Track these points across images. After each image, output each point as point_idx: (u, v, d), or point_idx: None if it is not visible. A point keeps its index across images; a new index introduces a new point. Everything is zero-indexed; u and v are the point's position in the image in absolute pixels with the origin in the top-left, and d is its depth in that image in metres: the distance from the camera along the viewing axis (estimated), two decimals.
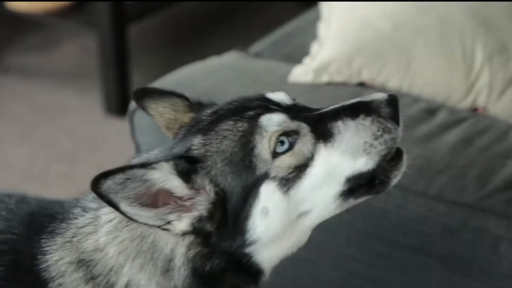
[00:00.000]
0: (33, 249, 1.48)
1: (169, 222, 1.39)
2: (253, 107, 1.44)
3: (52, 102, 3.83)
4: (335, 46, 2.57)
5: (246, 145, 1.39)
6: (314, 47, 2.65)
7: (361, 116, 1.42)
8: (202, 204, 1.39)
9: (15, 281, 1.47)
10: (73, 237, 1.48)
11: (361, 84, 2.49)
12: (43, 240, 1.49)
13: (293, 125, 1.41)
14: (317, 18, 2.95)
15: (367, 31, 2.59)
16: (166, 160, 1.38)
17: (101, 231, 1.47)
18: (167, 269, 1.44)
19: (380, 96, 1.44)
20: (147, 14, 3.97)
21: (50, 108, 3.79)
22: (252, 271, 1.46)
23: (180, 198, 1.39)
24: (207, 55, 2.87)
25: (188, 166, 1.38)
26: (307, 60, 2.57)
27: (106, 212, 1.48)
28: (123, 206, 1.34)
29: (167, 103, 1.58)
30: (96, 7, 3.73)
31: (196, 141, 1.42)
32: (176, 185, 1.37)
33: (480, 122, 2.25)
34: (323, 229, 2.11)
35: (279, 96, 1.48)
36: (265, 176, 1.39)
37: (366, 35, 2.58)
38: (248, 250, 1.43)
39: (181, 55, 4.16)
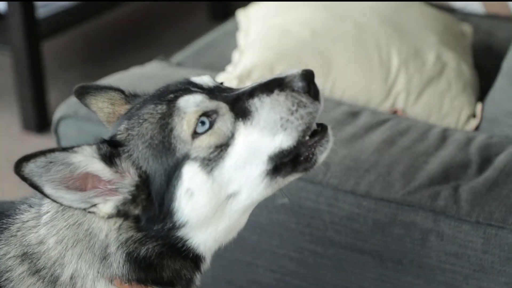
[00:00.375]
0: None
1: (94, 205, 1.40)
2: (175, 90, 1.47)
3: None
4: (256, 53, 2.63)
5: (165, 127, 1.41)
6: (236, 55, 2.70)
7: (276, 91, 1.42)
8: (124, 187, 1.41)
9: None
10: (17, 231, 1.49)
11: None
12: None
13: (211, 105, 1.43)
14: (233, 29, 3.01)
15: (286, 39, 2.66)
16: (89, 144, 1.39)
17: (41, 223, 1.48)
18: (104, 256, 1.45)
19: (294, 71, 1.45)
20: (61, 30, 3.93)
21: None
22: (189, 256, 1.47)
23: (108, 182, 1.40)
24: (122, 69, 2.87)
25: (110, 150, 1.40)
26: (229, 68, 2.61)
27: (46, 204, 1.49)
28: (47, 189, 1.35)
29: (105, 97, 1.60)
30: (8, 24, 3.67)
31: (122, 127, 1.45)
32: (99, 168, 1.39)
33: (401, 123, 2.34)
34: (257, 231, 2.16)
35: (203, 79, 1.50)
36: (186, 157, 1.40)
37: (286, 42, 2.64)
38: (180, 233, 1.44)
39: (96, 70, 4.13)
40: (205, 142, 1.41)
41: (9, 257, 1.47)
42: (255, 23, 2.85)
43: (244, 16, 2.96)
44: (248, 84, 2.55)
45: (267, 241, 2.16)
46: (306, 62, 2.56)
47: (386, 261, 2.07)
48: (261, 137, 1.42)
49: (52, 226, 1.47)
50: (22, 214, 1.52)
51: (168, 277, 1.48)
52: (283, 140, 1.42)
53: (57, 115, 2.46)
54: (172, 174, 1.40)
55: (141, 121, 1.43)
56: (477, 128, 2.49)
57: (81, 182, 1.39)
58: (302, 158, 1.46)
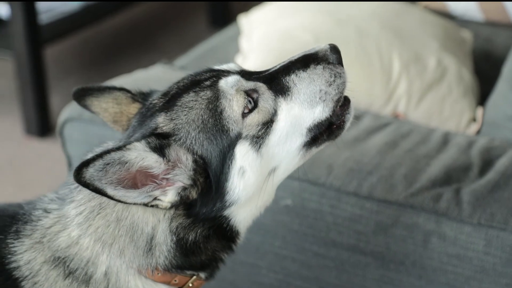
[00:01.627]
0: (0, 250, 1.49)
1: (155, 198, 1.42)
2: (207, 78, 1.50)
3: None
4: (259, 57, 2.65)
5: (215, 110, 1.45)
6: (239, 59, 2.72)
7: (312, 66, 1.50)
8: (182, 174, 1.43)
9: None
10: (42, 237, 1.50)
11: None
12: (9, 241, 1.50)
13: (249, 84, 1.49)
14: (235, 34, 3.04)
15: (289, 43, 2.68)
16: (137, 140, 1.41)
17: (71, 226, 1.49)
18: (149, 248, 1.47)
19: (323, 46, 1.53)
20: (63, 36, 3.95)
21: None
22: (231, 235, 1.52)
23: (156, 176, 1.42)
24: (123, 74, 2.90)
25: (160, 142, 1.42)
26: None
27: (74, 207, 1.50)
28: (110, 191, 1.37)
29: (109, 98, 1.62)
30: (11, 29, 3.69)
31: (161, 119, 1.47)
32: (152, 161, 1.41)
33: (402, 126, 2.36)
34: (260, 232, 2.18)
35: (229, 66, 1.56)
36: (238, 137, 1.45)
37: (289, 46, 2.67)
38: (226, 212, 1.48)
39: (98, 75, 4.15)
40: (255, 119, 1.47)
41: (37, 263, 1.48)
42: (258, 28, 2.87)
43: (246, 20, 2.99)
44: None
45: (270, 242, 2.18)
46: None
47: (388, 262, 2.08)
48: (301, 111, 1.50)
49: (88, 226, 1.48)
50: (41, 220, 1.52)
51: (204, 260, 1.52)
52: (321, 112, 1.50)
53: (62, 117, 2.47)
54: (227, 154, 1.45)
55: (186, 109, 1.47)
56: (478, 132, 2.51)
57: (133, 181, 1.41)
58: (335, 126, 1.53)
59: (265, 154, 1.47)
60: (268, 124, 1.47)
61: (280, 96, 1.49)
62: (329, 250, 2.12)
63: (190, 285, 1.54)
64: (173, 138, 1.45)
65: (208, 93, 1.47)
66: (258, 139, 1.46)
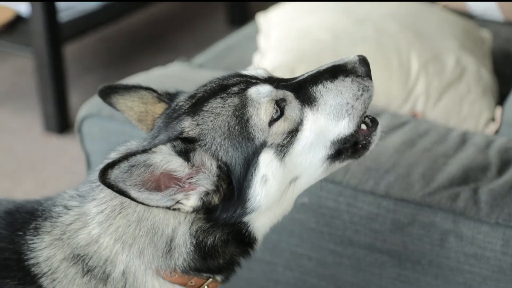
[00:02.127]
0: (19, 246, 1.50)
1: (178, 202, 1.43)
2: (235, 83, 1.50)
3: None
4: (277, 55, 2.66)
5: (241, 118, 1.45)
6: (257, 58, 2.72)
7: (340, 77, 1.49)
8: (206, 179, 1.44)
9: (1, 277, 1.48)
10: (62, 234, 1.51)
11: None
12: (28, 237, 1.51)
13: (279, 93, 1.48)
14: (253, 33, 3.04)
15: (307, 41, 2.68)
16: (163, 143, 1.42)
17: (92, 224, 1.50)
18: (168, 250, 1.48)
19: (352, 57, 1.51)
20: (82, 33, 3.97)
21: None
22: (249, 240, 1.52)
23: (179, 179, 1.43)
24: (141, 72, 2.91)
25: (185, 146, 1.43)
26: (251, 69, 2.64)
27: (96, 205, 1.51)
28: (133, 193, 1.38)
29: (135, 96, 1.62)
30: (31, 27, 3.72)
31: (187, 124, 1.47)
32: (177, 165, 1.42)
33: (420, 125, 2.36)
34: (276, 230, 2.18)
35: (257, 71, 1.55)
36: (263, 145, 1.45)
37: (307, 45, 2.67)
38: (246, 219, 1.49)
39: (115, 73, 4.17)
40: (280, 128, 1.46)
41: (57, 260, 1.49)
42: (276, 26, 2.88)
43: (265, 19, 2.99)
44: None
45: (287, 240, 2.18)
46: None
47: (404, 261, 2.08)
48: (326, 122, 1.49)
49: (109, 225, 1.49)
50: (61, 217, 1.53)
51: (222, 264, 1.52)
52: (346, 126, 1.49)
53: (81, 114, 2.49)
54: (251, 162, 1.45)
55: (213, 115, 1.46)
56: (496, 132, 2.50)
57: (156, 184, 1.41)
58: (360, 146, 1.53)
59: (289, 163, 1.47)
60: (293, 133, 1.47)
61: (306, 105, 1.48)
62: (346, 248, 2.12)
63: (206, 287, 1.54)
64: (199, 143, 1.45)
65: (235, 100, 1.46)
66: (283, 148, 1.46)
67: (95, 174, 1.50)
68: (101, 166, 1.36)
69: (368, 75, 1.51)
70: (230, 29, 4.46)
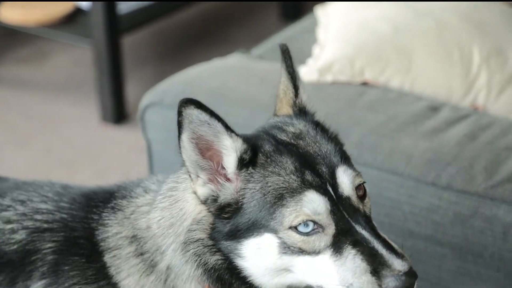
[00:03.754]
0: (90, 224, 1.55)
1: (198, 176, 1.46)
2: (317, 172, 1.46)
3: (47, 112, 3.86)
4: (336, 47, 2.65)
5: (281, 199, 1.44)
6: (316, 49, 2.72)
7: (369, 268, 1.40)
8: (227, 191, 1.46)
9: (70, 254, 1.53)
10: (131, 214, 1.56)
11: (365, 84, 2.57)
12: (104, 214, 1.56)
13: (325, 221, 1.43)
14: (310, 26, 3.03)
15: (367, 34, 2.67)
16: (243, 140, 1.45)
17: (155, 211, 1.54)
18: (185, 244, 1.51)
19: (400, 267, 1.40)
20: (140, 25, 4.02)
21: (46, 118, 3.81)
22: (250, 284, 1.50)
23: (217, 167, 1.46)
24: (196, 64, 2.94)
25: (249, 159, 1.45)
26: (310, 61, 2.64)
27: (160, 200, 1.55)
28: (184, 135, 1.42)
29: (288, 84, 1.60)
30: (91, 19, 3.78)
31: (265, 149, 1.47)
32: (231, 160, 1.45)
33: (482, 118, 2.34)
34: None
35: (343, 180, 1.47)
36: (275, 231, 1.44)
37: (366, 37, 2.66)
38: (240, 263, 1.48)
39: (171, 65, 4.21)
40: (296, 241, 1.44)
41: (121, 237, 1.54)
42: (335, 19, 2.87)
43: (323, 12, 2.99)
44: (329, 77, 2.61)
45: None
46: (386, 58, 2.58)
47: (465, 254, 2.06)
48: (330, 273, 1.43)
49: (158, 209, 1.54)
50: (137, 198, 1.58)
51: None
52: None
53: (143, 102, 2.52)
54: (257, 225, 1.45)
55: (276, 169, 1.46)
56: None
57: (206, 147, 1.45)
58: None
59: (286, 260, 1.45)
60: (304, 252, 1.44)
61: (332, 250, 1.43)
62: (406, 239, 2.12)
63: None
64: (251, 171, 1.46)
65: (295, 183, 1.44)
66: (288, 250, 1.44)
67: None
68: (191, 98, 1.39)
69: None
70: (282, 23, 4.47)
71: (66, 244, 1.54)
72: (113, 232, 1.54)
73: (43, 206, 1.59)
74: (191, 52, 4.34)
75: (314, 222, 1.42)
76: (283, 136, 1.51)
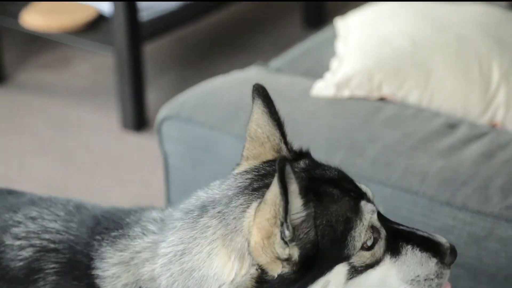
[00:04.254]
0: (89, 252, 1.52)
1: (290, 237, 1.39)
2: (350, 187, 1.48)
3: (69, 118, 3.89)
4: (355, 61, 2.65)
5: (348, 222, 1.43)
6: (335, 63, 2.72)
7: (429, 253, 1.49)
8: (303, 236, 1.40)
9: (71, 278, 1.51)
10: (131, 259, 1.50)
11: (382, 99, 2.57)
12: (104, 244, 1.53)
13: (378, 226, 1.47)
14: (330, 37, 3.03)
15: (386, 48, 2.67)
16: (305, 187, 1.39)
17: (157, 262, 1.47)
18: None
19: (445, 241, 1.52)
20: (162, 33, 4.04)
21: (67, 124, 3.85)
22: None
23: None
24: (218, 73, 2.94)
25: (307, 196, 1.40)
26: (328, 75, 2.64)
27: (165, 246, 1.48)
28: (293, 187, 1.35)
29: (269, 126, 1.56)
30: (113, 26, 3.80)
31: (305, 184, 1.42)
32: (297, 204, 1.39)
33: (500, 136, 2.32)
34: None
35: (364, 187, 1.53)
36: (346, 258, 1.43)
37: (385, 51, 2.65)
38: None
39: (193, 73, 4.23)
40: (365, 259, 1.45)
41: (120, 282, 1.49)
42: (354, 32, 2.87)
43: (343, 24, 2.98)
44: (346, 92, 2.60)
45: None
46: (405, 72, 2.57)
47: (480, 275, 2.05)
48: (395, 277, 1.48)
49: (168, 269, 1.46)
50: (135, 240, 1.52)
51: None
52: None
53: (161, 115, 2.53)
54: (328, 261, 1.42)
55: (329, 197, 1.44)
56: None
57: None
58: None
59: (351, 285, 1.45)
60: (368, 267, 1.46)
61: (388, 252, 1.48)
62: None
63: None
64: (315, 208, 1.42)
65: (351, 203, 1.45)
66: (355, 272, 1.44)
67: (178, 212, 1.50)
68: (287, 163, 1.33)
69: (450, 264, 1.52)
70: (307, 31, 4.47)
71: (69, 266, 1.52)
72: (111, 273, 1.49)
73: (52, 225, 1.58)
74: (213, 58, 4.35)
75: (373, 230, 1.45)
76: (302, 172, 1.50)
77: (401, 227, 1.52)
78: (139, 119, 3.79)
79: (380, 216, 1.50)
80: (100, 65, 4.29)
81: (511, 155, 2.22)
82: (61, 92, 4.10)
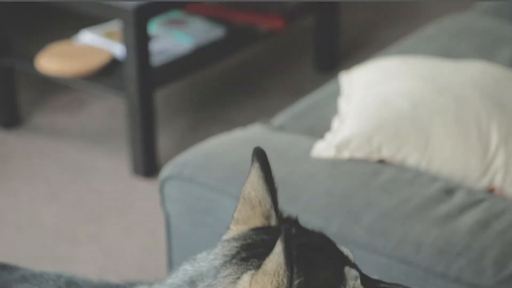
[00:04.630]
0: None
1: None
2: (334, 253, 1.49)
3: (81, 162, 3.95)
4: (355, 123, 2.68)
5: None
6: (336, 123, 2.76)
7: None
8: None
9: None
10: None
11: (381, 161, 2.60)
12: None
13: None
14: (336, 91, 3.07)
15: (386, 109, 2.70)
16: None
17: None
18: None
19: None
20: (174, 78, 4.10)
21: (79, 168, 3.91)
22: None
23: None
24: (230, 119, 2.99)
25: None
26: (329, 136, 2.68)
27: None
28: None
29: (262, 191, 1.55)
30: (125, 72, 3.87)
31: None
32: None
33: (496, 204, 2.34)
34: None
35: (348, 252, 1.53)
36: None
37: (385, 113, 2.69)
38: None
39: (204, 117, 4.28)
40: None
41: None
42: (357, 90, 2.90)
43: (347, 80, 3.02)
44: (346, 154, 2.64)
45: None
46: (404, 135, 2.60)
47: None
48: None
49: None
50: None
51: None
52: None
53: (163, 174, 2.58)
54: None
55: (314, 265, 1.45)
56: None
57: None
58: None
59: None
60: None
61: None
62: None
63: None
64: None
65: (335, 269, 1.46)
66: None
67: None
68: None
69: None
70: (319, 75, 4.52)
71: None
72: None
73: None
74: (225, 103, 4.40)
75: None
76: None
77: (382, 285, 1.50)
78: (149, 165, 3.84)
79: (362, 278, 1.49)
80: (114, 108, 4.36)
81: (506, 225, 2.24)
82: (74, 135, 4.17)
